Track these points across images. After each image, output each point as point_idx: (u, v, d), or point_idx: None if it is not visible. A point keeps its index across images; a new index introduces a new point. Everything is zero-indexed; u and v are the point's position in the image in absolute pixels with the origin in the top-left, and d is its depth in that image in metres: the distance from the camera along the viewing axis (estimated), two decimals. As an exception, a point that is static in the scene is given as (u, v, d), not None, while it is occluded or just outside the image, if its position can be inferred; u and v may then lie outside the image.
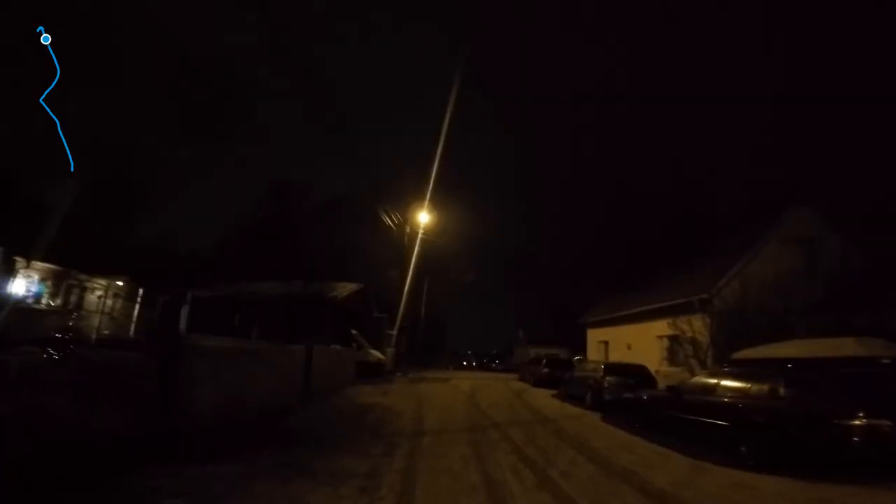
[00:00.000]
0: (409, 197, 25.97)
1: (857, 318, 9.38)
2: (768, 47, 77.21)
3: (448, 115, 24.04)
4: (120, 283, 22.65)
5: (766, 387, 6.03)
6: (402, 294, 23.40)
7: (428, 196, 24.90)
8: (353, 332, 18.66)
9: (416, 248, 25.21)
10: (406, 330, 27.98)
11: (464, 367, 51.29)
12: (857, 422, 4.73)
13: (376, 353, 19.36)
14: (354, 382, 13.96)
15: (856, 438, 4.72)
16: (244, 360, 7.18)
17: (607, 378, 12.23)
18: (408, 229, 25.65)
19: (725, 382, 6.86)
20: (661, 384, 12.83)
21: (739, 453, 5.88)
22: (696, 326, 13.48)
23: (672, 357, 16.01)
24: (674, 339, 15.92)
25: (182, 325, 18.89)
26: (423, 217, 25.36)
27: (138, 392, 5.57)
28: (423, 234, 25.56)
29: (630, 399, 9.89)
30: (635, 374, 12.46)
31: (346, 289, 18.20)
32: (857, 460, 4.84)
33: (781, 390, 5.77)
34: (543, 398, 14.21)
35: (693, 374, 13.40)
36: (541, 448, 6.50)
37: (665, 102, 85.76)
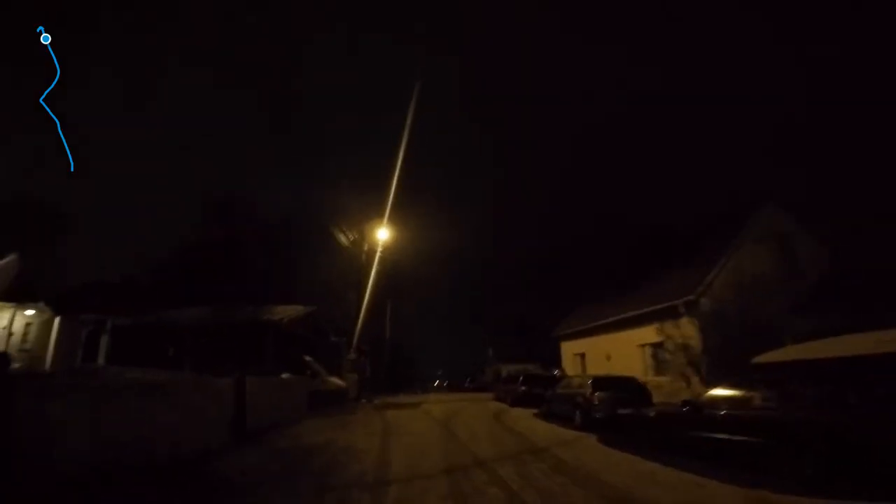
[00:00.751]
0: (371, 213, 24.39)
1: (859, 316, 8.47)
2: (770, 48, 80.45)
3: (408, 122, 22.89)
4: (31, 312, 19.56)
5: (824, 393, 4.77)
6: (359, 312, 21.47)
7: (387, 211, 23.36)
8: (308, 358, 16.55)
9: (375, 265, 23.45)
10: (367, 353, 25.86)
11: (434, 389, 49.18)
12: None
13: (335, 381, 17.26)
14: (308, 415, 11.92)
15: None
16: (137, 396, 5.28)
17: (597, 394, 10.83)
18: (366, 247, 23.95)
19: (762, 392, 5.57)
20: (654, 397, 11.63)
21: (806, 477, 4.53)
22: (686, 331, 12.45)
23: (659, 366, 14.92)
24: (658, 347, 14.89)
25: (101, 356, 16.34)
26: (383, 234, 23.71)
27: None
28: (383, 252, 23.85)
29: (630, 416, 8.50)
30: (627, 387, 11.15)
31: (290, 312, 16.08)
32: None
33: (849, 396, 4.51)
34: (526, 419, 12.65)
35: (689, 383, 12.29)
36: (544, 491, 4.92)
37: (664, 103, 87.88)
